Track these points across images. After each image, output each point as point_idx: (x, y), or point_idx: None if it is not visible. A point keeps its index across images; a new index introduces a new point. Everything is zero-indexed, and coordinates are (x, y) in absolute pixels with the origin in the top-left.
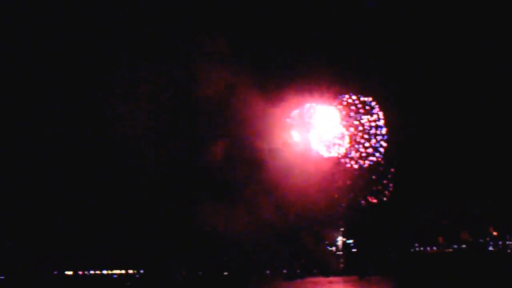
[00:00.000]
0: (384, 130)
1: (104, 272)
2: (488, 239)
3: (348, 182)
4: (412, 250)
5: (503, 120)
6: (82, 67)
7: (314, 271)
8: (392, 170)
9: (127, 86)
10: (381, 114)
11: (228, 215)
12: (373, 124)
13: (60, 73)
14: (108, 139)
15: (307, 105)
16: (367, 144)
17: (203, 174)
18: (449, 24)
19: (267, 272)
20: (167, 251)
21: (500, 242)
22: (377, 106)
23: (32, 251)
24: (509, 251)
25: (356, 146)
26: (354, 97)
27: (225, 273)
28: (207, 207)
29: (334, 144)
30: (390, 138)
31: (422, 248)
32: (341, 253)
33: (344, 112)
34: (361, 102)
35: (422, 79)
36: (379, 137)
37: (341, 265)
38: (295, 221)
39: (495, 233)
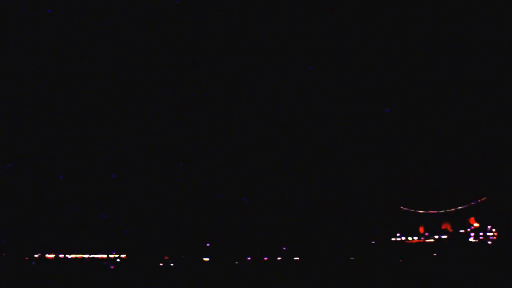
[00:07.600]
0: None
1: (86, 256)
2: (469, 230)
3: None
4: (392, 239)
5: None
6: None
7: None
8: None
9: None
10: None
11: None
12: None
13: None
14: None
15: None
16: None
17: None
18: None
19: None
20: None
21: (481, 234)
22: None
23: (12, 232)
24: (490, 242)
25: None
26: None
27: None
28: None
29: None
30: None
31: (403, 238)
32: None
33: None
34: None
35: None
36: None
37: None
38: None
39: (476, 225)
